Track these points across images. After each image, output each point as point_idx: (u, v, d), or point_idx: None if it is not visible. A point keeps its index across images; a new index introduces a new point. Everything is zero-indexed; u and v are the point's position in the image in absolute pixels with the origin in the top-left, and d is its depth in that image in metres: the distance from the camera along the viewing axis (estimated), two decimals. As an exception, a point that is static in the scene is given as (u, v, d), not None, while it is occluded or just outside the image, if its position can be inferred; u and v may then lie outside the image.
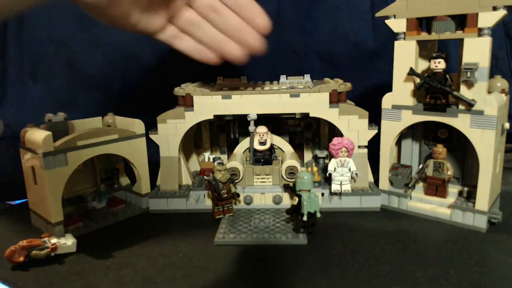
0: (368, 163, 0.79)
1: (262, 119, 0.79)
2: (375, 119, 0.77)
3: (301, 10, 1.07)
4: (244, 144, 0.83)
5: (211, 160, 0.90)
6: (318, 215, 0.64)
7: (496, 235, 0.65)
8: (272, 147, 0.81)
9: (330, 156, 0.77)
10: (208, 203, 0.77)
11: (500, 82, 0.70)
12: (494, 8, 0.60)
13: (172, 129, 0.79)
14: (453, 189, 0.74)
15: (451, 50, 0.85)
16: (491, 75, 0.67)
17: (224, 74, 0.85)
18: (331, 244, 0.63)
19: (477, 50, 0.63)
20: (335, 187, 0.75)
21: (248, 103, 0.77)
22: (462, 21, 0.65)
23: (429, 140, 0.77)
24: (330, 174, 0.75)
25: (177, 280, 0.55)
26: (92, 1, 0.41)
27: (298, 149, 0.90)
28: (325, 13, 1.05)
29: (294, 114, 0.90)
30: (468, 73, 0.63)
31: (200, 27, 0.52)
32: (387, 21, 0.71)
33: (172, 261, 0.60)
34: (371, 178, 0.80)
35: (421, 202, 0.74)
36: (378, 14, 0.72)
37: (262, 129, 0.79)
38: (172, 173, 0.80)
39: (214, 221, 0.72)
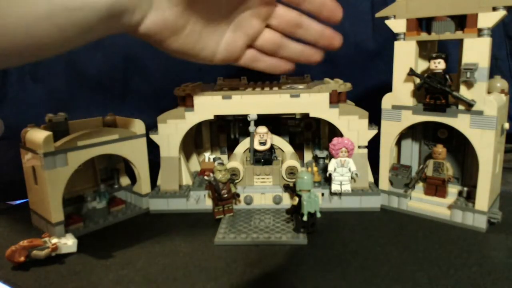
0: (368, 163, 0.79)
1: (262, 119, 0.79)
2: (375, 119, 0.77)
3: (301, 11, 1.07)
4: (244, 144, 0.83)
5: (211, 160, 0.90)
6: (318, 215, 0.64)
7: (495, 235, 0.65)
8: (272, 147, 0.81)
9: (330, 156, 0.77)
10: (208, 203, 0.77)
11: (500, 83, 0.70)
12: (494, 9, 0.60)
13: (172, 129, 0.79)
14: (453, 189, 0.74)
15: (451, 51, 0.85)
16: (491, 75, 0.68)
17: (224, 74, 0.85)
18: (331, 244, 0.63)
19: (476, 51, 0.63)
20: (335, 187, 0.75)
21: (248, 103, 0.77)
22: (462, 21, 0.65)
23: (429, 140, 0.77)
24: (330, 174, 0.75)
25: (177, 280, 0.55)
26: (145, 31, 0.36)
27: (298, 149, 0.90)
28: (325, 13, 1.05)
29: (294, 114, 0.90)
30: (468, 74, 0.63)
31: (284, 46, 0.48)
32: (387, 22, 0.71)
33: (172, 261, 0.60)
34: (371, 178, 0.80)
35: (421, 202, 0.74)
36: (378, 15, 0.72)
37: (262, 129, 0.79)
38: (172, 173, 0.80)
39: (214, 221, 0.72)
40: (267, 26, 0.47)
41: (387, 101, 0.74)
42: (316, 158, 0.90)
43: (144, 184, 0.79)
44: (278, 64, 0.52)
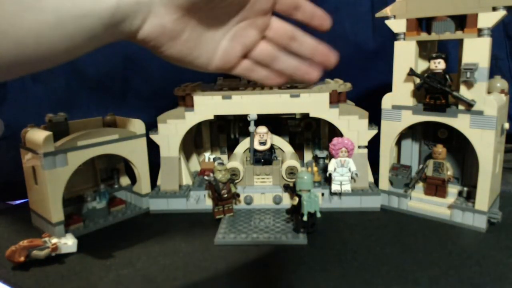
0: (368, 163, 0.79)
1: (262, 119, 0.79)
2: (375, 119, 0.77)
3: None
4: (244, 144, 0.83)
5: (211, 160, 0.90)
6: (318, 215, 0.64)
7: (495, 235, 0.65)
8: (272, 147, 0.81)
9: (330, 156, 0.77)
10: (208, 203, 0.77)
11: (500, 83, 0.70)
12: (494, 9, 0.60)
13: (172, 129, 0.79)
14: (453, 189, 0.74)
15: (451, 50, 0.85)
16: (491, 75, 0.68)
17: (224, 74, 0.85)
18: (331, 244, 0.63)
19: (476, 51, 0.63)
20: (335, 187, 0.75)
21: (248, 103, 0.77)
22: (462, 21, 0.65)
23: (429, 140, 0.77)
24: (330, 174, 0.75)
25: (177, 280, 0.55)
26: (143, 36, 0.39)
27: (298, 149, 0.90)
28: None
29: (294, 114, 0.90)
30: (468, 73, 0.63)
31: (279, 59, 0.52)
32: (387, 22, 0.71)
33: (173, 261, 0.60)
34: (371, 178, 0.80)
35: (421, 202, 0.74)
36: (378, 15, 0.72)
37: (262, 129, 0.79)
38: (172, 173, 0.80)
39: (214, 221, 0.72)
40: (263, 37, 0.49)
41: (387, 101, 0.74)
42: (316, 158, 0.90)
43: (144, 184, 0.79)
44: (271, 76, 0.54)
